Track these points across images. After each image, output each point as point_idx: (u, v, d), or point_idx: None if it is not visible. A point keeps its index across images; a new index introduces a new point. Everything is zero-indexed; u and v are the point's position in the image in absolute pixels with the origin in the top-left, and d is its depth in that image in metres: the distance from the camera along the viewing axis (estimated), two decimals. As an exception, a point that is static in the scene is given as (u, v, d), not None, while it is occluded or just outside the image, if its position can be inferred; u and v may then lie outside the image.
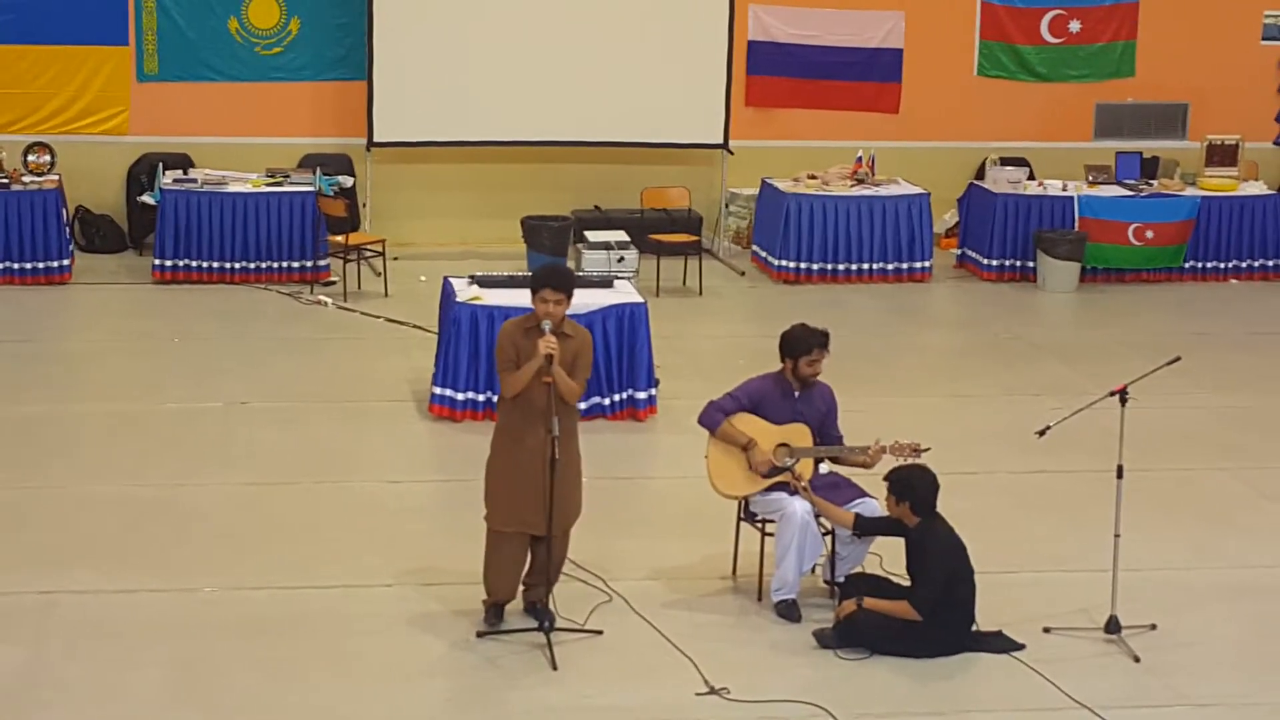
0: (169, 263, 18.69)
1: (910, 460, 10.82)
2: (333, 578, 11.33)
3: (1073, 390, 14.93)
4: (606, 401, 14.69)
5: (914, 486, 10.49)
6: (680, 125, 20.49)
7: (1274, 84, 22.13)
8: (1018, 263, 19.83)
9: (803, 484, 10.88)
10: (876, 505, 10.93)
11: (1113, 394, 10.83)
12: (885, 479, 10.60)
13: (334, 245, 18.65)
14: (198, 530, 12.12)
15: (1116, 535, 10.73)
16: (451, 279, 15.09)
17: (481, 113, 20.07)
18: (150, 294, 18.43)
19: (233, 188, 18.89)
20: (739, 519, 11.37)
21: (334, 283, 18.72)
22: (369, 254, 18.92)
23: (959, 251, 20.46)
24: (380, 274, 18.78)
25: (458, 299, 14.59)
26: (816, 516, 10.89)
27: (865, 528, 10.81)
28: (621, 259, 19.17)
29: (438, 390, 14.60)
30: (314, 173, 19.25)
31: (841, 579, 11.00)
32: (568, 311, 10.53)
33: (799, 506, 10.83)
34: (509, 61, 20.01)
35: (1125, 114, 21.97)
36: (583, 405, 13.99)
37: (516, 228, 19.38)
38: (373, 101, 20.02)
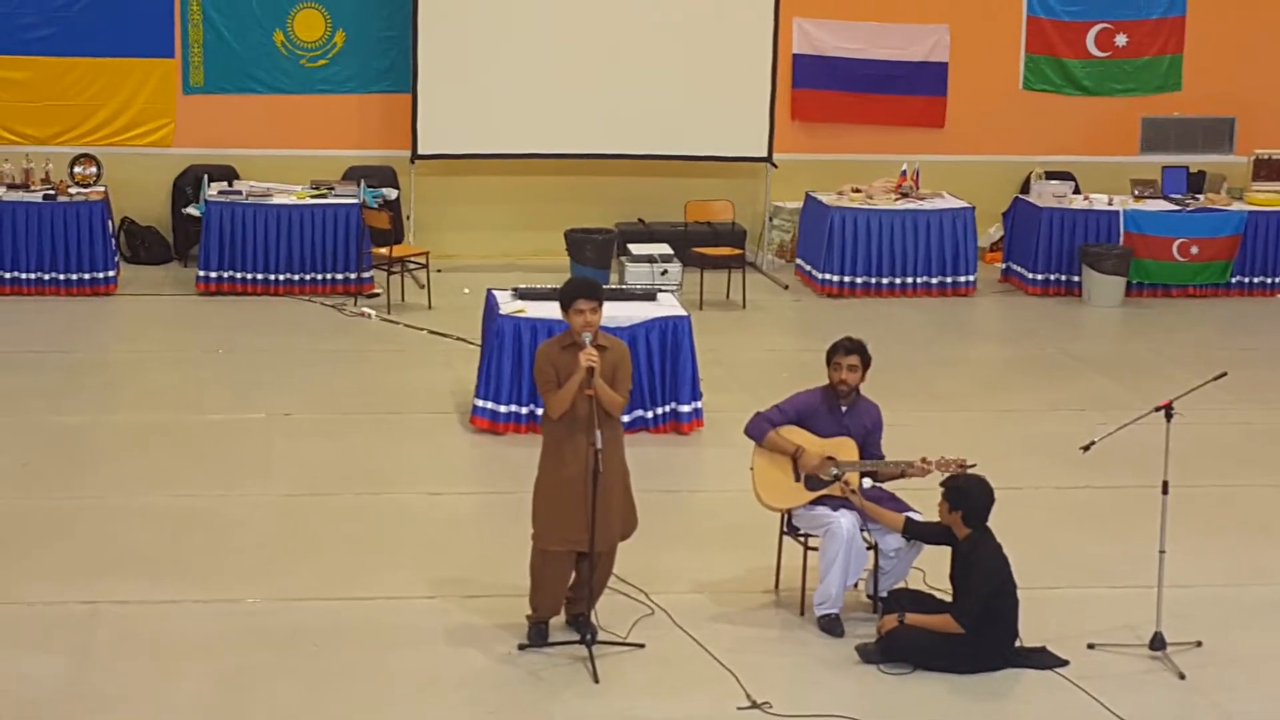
0: (213, 274, 18.74)
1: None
2: (374, 589, 11.33)
3: (1118, 405, 14.84)
4: (649, 415, 14.66)
5: (969, 496, 10.44)
6: (724, 138, 20.48)
7: (1322, 98, 22.05)
8: (1063, 277, 19.76)
9: (852, 488, 10.85)
10: (921, 518, 10.89)
11: (1158, 409, 10.76)
12: (941, 485, 10.57)
13: (378, 257, 18.69)
14: (240, 541, 12.13)
15: (1161, 551, 10.66)
16: (495, 291, 15.09)
17: (525, 125, 20.09)
18: (194, 305, 18.49)
19: (277, 200, 18.93)
20: (782, 533, 11.34)
21: (377, 295, 18.75)
22: (413, 266, 18.94)
23: (1003, 265, 20.40)
24: (424, 286, 18.80)
25: (501, 311, 14.58)
26: (861, 530, 10.86)
27: (915, 532, 10.76)
28: (665, 272, 19.16)
29: (479, 403, 14.59)
30: (358, 185, 19.28)
31: (884, 594, 10.96)
32: (610, 326, 10.52)
33: (845, 521, 10.80)
34: (553, 74, 20.03)
35: (1171, 128, 21.88)
36: (626, 418, 13.99)
37: (560, 240, 19.39)
38: (417, 114, 20.05)
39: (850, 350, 11.04)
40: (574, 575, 10.59)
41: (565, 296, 10.44)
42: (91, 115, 20.17)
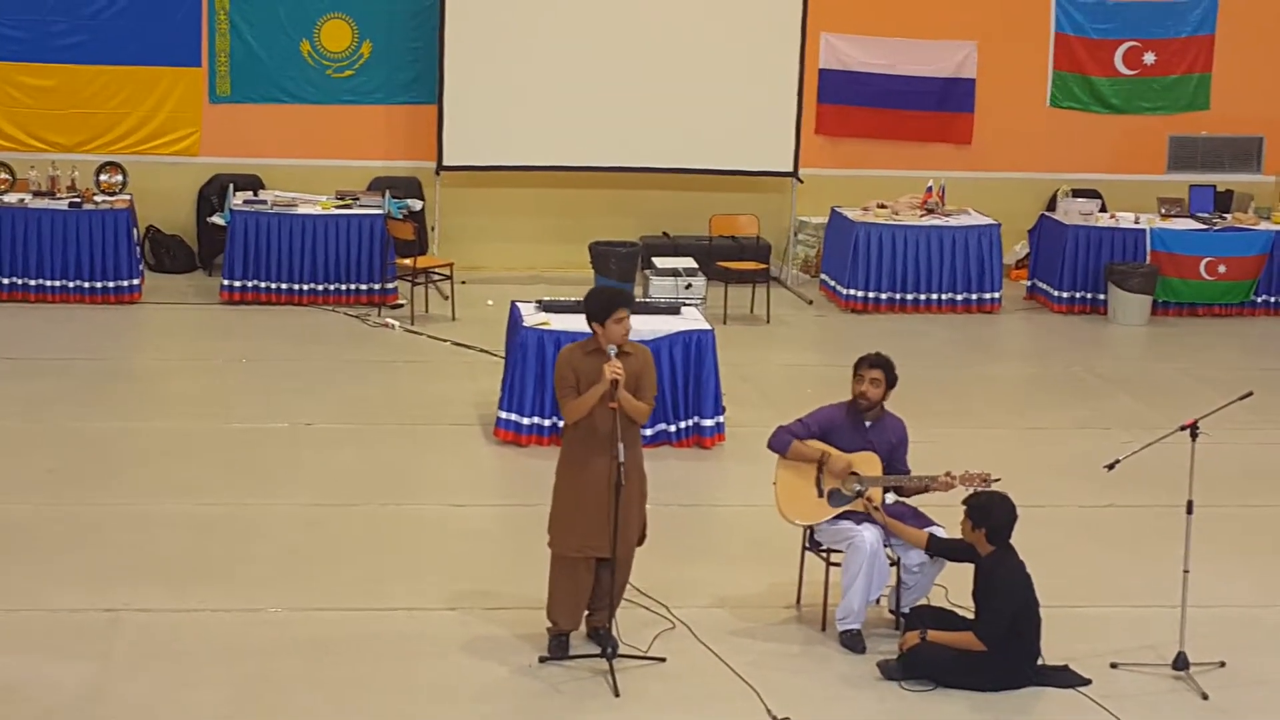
0: (238, 283, 18.77)
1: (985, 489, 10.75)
2: (396, 600, 11.32)
3: (1142, 424, 14.81)
4: (672, 429, 14.64)
5: (992, 513, 10.41)
6: (750, 153, 20.47)
7: (1350, 119, 21.97)
8: (1088, 295, 19.71)
9: (874, 504, 10.82)
10: (944, 534, 10.85)
11: (1183, 428, 10.72)
12: (964, 503, 10.54)
13: (402, 268, 18.69)
14: (262, 550, 12.13)
15: (1185, 571, 10.62)
16: (519, 303, 15.09)
17: (551, 137, 20.09)
18: (218, 314, 18.51)
19: (302, 209, 18.96)
20: (804, 548, 11.31)
21: (401, 305, 18.75)
22: (437, 277, 18.95)
23: (1029, 283, 20.35)
24: (448, 297, 18.81)
25: (525, 324, 14.58)
26: (884, 545, 10.83)
27: (938, 548, 10.73)
28: (689, 286, 19.15)
29: (503, 414, 14.59)
30: (383, 195, 19.29)
31: (906, 610, 10.93)
32: (632, 338, 10.53)
33: (868, 536, 10.77)
34: (579, 86, 20.03)
35: (1199, 147, 21.83)
36: (648, 432, 14.01)
37: (584, 253, 19.38)
38: (443, 125, 20.06)
39: (875, 364, 11.03)
40: (594, 585, 10.57)
41: (603, 309, 10.39)
42: (118, 123, 20.21)
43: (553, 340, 14.35)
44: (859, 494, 10.88)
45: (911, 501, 11.16)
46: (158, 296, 18.98)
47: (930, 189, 20.02)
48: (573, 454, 10.48)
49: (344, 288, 18.88)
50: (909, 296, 19.51)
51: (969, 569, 10.59)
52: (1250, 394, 11.46)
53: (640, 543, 10.69)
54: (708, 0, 20.25)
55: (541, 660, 10.48)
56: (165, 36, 20.14)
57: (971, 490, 10.69)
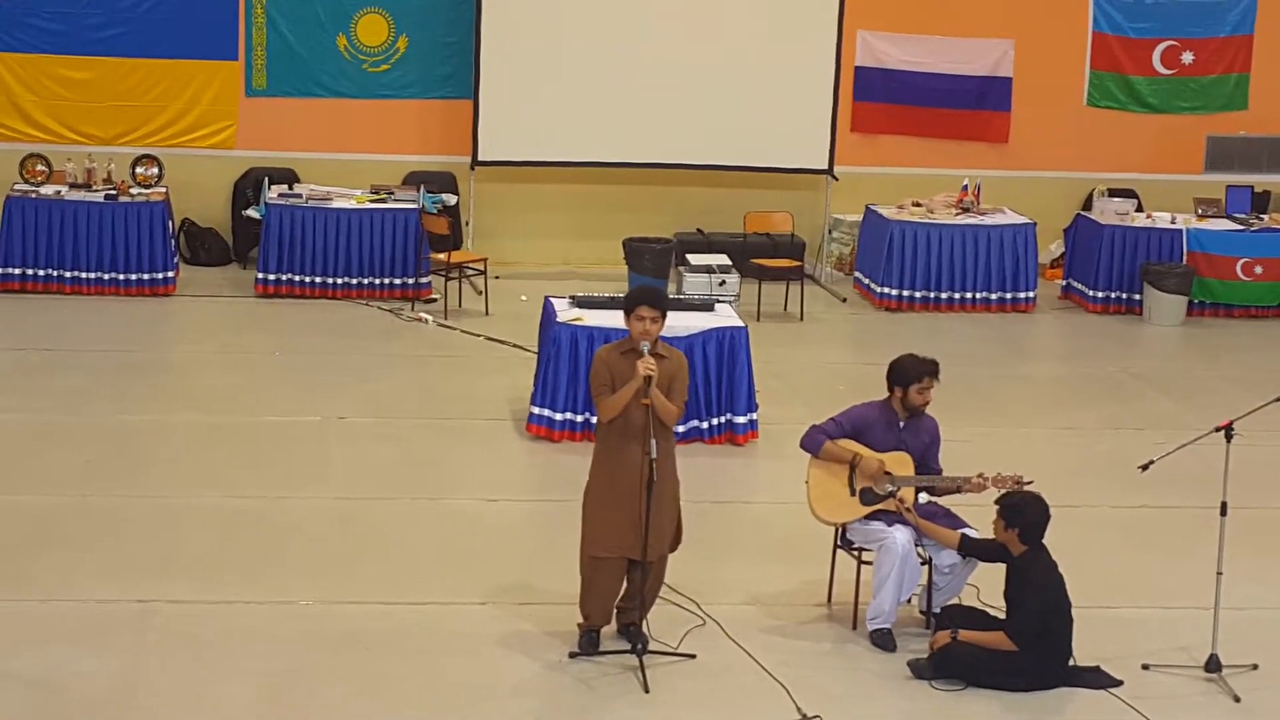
0: (272, 277, 18.79)
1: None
2: (427, 594, 11.33)
3: (1177, 425, 14.74)
4: (705, 425, 14.63)
5: (1025, 513, 10.38)
6: (785, 150, 20.42)
7: (1389, 119, 21.86)
8: (1124, 295, 19.64)
9: (906, 505, 10.80)
10: (976, 535, 10.83)
11: (1218, 430, 10.68)
12: (997, 502, 10.51)
13: (436, 263, 18.70)
14: (294, 543, 12.15)
15: (1219, 573, 10.58)
16: (552, 299, 15.09)
17: (586, 133, 20.08)
18: (253, 307, 18.54)
19: (337, 204, 18.98)
20: (835, 546, 11.29)
21: (435, 300, 18.76)
22: (471, 272, 18.95)
23: (1064, 282, 20.29)
24: (481, 292, 18.82)
25: (558, 319, 14.58)
26: (916, 545, 10.81)
27: (970, 549, 10.71)
28: (723, 283, 19.13)
29: (536, 410, 14.59)
30: (418, 190, 19.31)
31: (938, 609, 10.91)
32: (666, 335, 10.52)
33: (900, 537, 10.74)
34: (615, 83, 20.01)
35: (1237, 147, 21.74)
36: (681, 429, 13.99)
37: (618, 249, 19.38)
38: (478, 120, 20.06)
39: (935, 373, 11.00)
40: (626, 584, 10.57)
41: (629, 302, 10.44)
42: (154, 116, 20.25)
43: (586, 336, 14.35)
44: (891, 493, 10.86)
45: (943, 501, 11.14)
46: (192, 289, 19.02)
47: (966, 187, 19.98)
48: (606, 450, 10.47)
49: (378, 282, 18.89)
50: (943, 295, 19.47)
51: (1000, 568, 10.57)
52: (1287, 395, 11.44)
53: (674, 548, 10.68)
54: (744, -3, 20.27)
55: (572, 656, 10.48)
56: (202, 29, 20.17)
57: (1004, 490, 10.67)
